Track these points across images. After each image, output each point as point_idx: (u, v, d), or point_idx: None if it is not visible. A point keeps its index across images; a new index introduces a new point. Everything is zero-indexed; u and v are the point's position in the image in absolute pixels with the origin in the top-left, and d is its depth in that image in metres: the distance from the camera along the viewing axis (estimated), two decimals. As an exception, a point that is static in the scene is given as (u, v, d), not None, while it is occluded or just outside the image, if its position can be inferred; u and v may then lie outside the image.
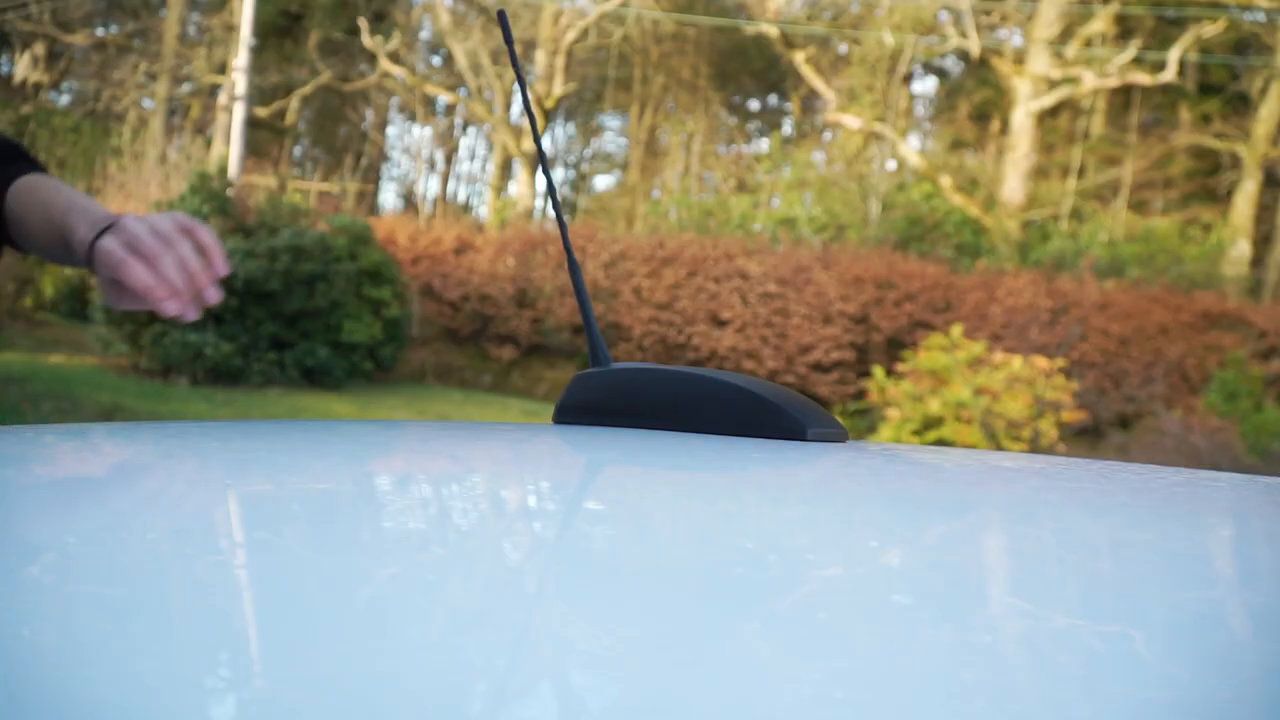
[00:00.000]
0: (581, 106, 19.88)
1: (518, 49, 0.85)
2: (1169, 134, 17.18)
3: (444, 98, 18.66)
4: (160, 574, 0.30)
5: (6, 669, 0.23)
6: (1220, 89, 16.62)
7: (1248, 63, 16.14)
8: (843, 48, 18.00)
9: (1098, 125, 17.62)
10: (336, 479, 0.50)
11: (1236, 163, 16.11)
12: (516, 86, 0.88)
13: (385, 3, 17.93)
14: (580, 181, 20.36)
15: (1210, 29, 15.63)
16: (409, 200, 18.78)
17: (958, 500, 0.53)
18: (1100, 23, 15.85)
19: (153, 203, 10.21)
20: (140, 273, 0.91)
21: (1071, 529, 0.47)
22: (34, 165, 1.07)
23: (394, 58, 17.32)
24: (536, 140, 0.83)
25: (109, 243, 0.92)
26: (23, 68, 14.90)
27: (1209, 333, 10.99)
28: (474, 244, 11.60)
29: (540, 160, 0.84)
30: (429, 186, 19.62)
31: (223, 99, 14.07)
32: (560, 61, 16.99)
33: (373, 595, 0.30)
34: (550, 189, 0.84)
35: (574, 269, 0.83)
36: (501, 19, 0.86)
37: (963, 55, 17.89)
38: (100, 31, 16.83)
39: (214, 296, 0.95)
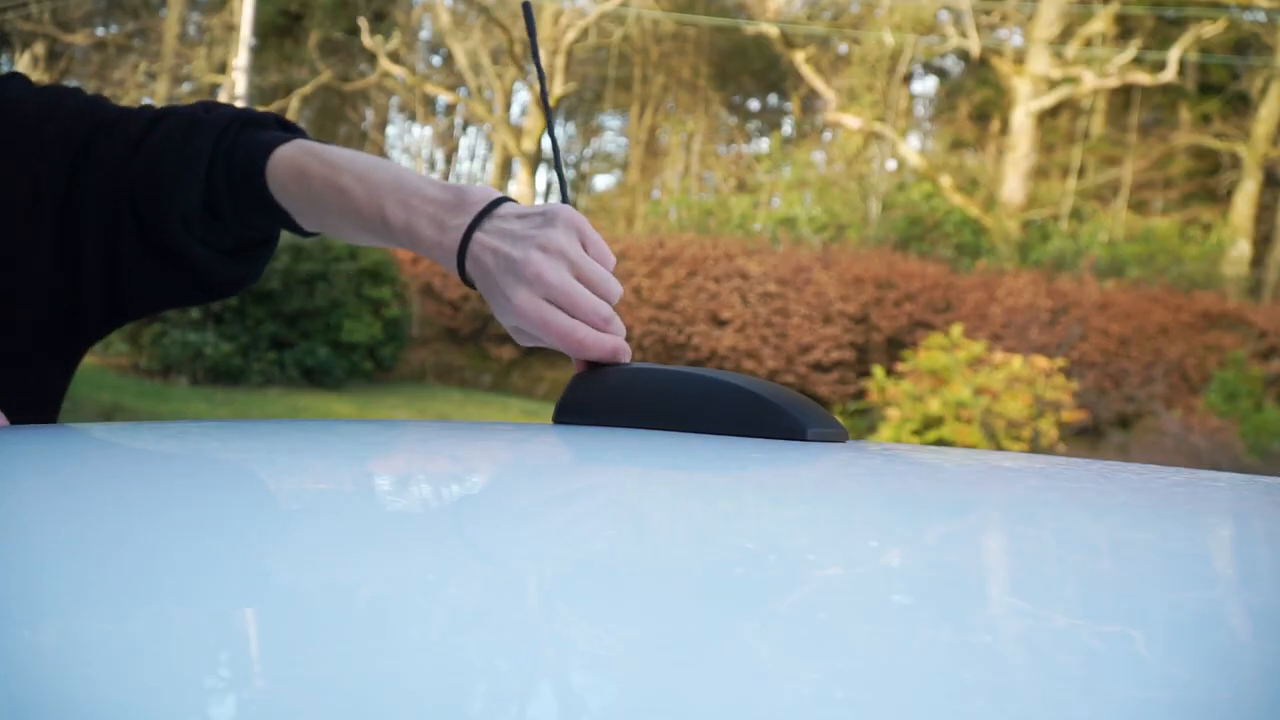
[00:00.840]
0: (581, 106, 19.88)
1: (520, 48, 0.85)
2: (1169, 134, 17.19)
3: (444, 98, 18.67)
4: (160, 574, 0.30)
5: (6, 669, 0.23)
6: (1220, 89, 16.63)
7: (1248, 63, 16.15)
8: (843, 48, 18.01)
9: (1098, 125, 17.63)
10: (336, 479, 0.50)
11: (1236, 163, 16.12)
12: (536, 80, 0.86)
13: (385, 3, 17.93)
14: (580, 181, 20.36)
15: (1210, 29, 15.64)
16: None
17: (958, 500, 0.53)
18: (1100, 23, 15.86)
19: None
20: (568, 327, 0.72)
21: (1071, 529, 0.47)
22: (297, 131, 0.85)
23: (394, 58, 17.33)
24: (551, 134, 0.83)
25: (525, 299, 0.72)
26: (23, 68, 14.90)
27: (1209, 333, 11.00)
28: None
29: (554, 153, 0.83)
30: (429, 186, 19.53)
31: (223, 99, 14.07)
32: (560, 61, 16.99)
33: (372, 595, 0.30)
34: (561, 182, 0.83)
35: None
36: (526, 12, 0.86)
37: (963, 55, 17.90)
38: (100, 31, 16.84)
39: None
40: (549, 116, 0.83)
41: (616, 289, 0.75)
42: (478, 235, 0.74)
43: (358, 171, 0.78)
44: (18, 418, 0.71)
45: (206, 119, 0.83)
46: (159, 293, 0.87)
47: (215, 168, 0.81)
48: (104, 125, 0.84)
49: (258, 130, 0.83)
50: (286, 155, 0.80)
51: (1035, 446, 8.33)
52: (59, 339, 0.87)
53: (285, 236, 0.90)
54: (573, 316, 0.73)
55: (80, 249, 0.83)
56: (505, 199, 0.77)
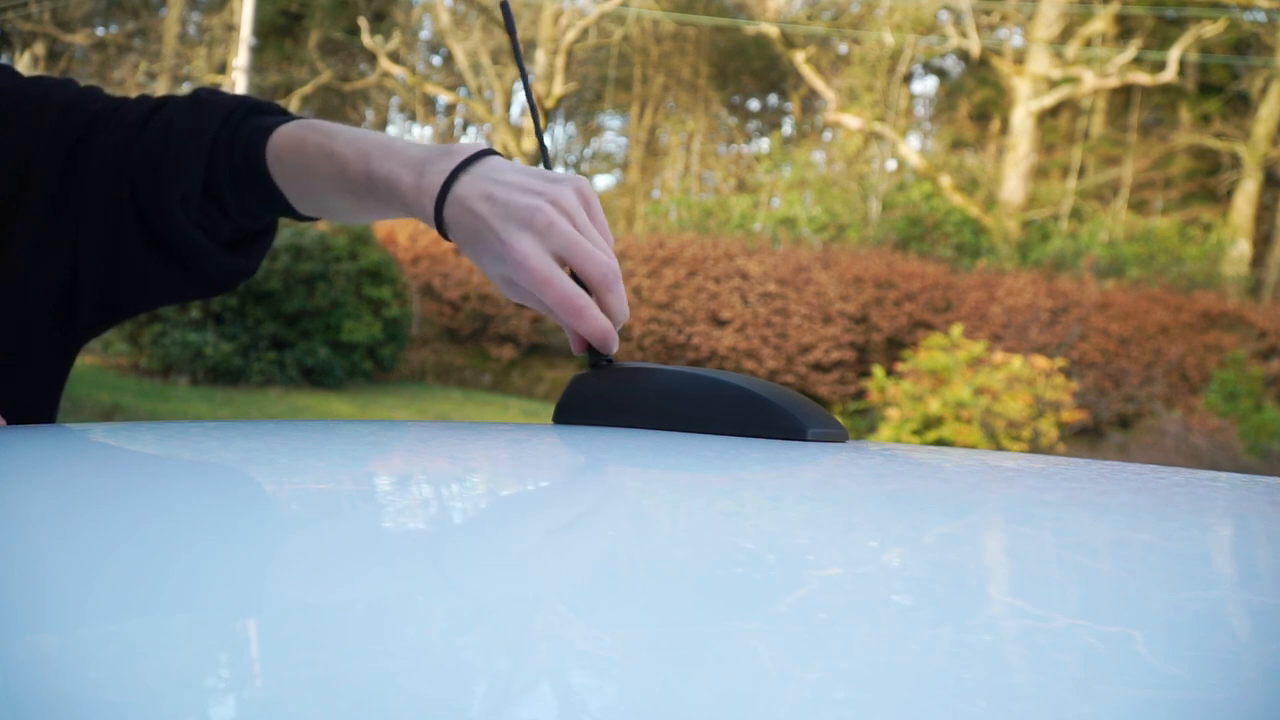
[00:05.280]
0: (581, 106, 19.89)
1: (521, 47, 0.84)
2: (1169, 134, 17.21)
3: (444, 98, 18.68)
4: (159, 574, 0.30)
5: (6, 669, 0.23)
6: (1220, 89, 16.64)
7: (1248, 63, 16.15)
8: (843, 48, 18.02)
9: (1098, 125, 17.64)
10: (336, 479, 0.50)
11: (1236, 163, 16.13)
12: (519, 82, 0.86)
13: (385, 3, 17.94)
14: (580, 181, 20.33)
15: (1210, 29, 15.65)
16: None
17: (958, 500, 0.53)
18: (1100, 23, 15.86)
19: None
20: (571, 292, 0.69)
21: (1071, 529, 0.47)
22: (288, 116, 0.84)
23: (394, 57, 17.34)
24: (539, 134, 0.83)
25: (530, 248, 0.68)
26: (23, 68, 14.89)
27: (1209, 333, 11.00)
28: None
29: (542, 155, 0.83)
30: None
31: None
32: (560, 61, 16.99)
33: (372, 595, 0.30)
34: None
35: None
36: (505, 11, 0.85)
37: (963, 55, 17.91)
38: (100, 31, 16.85)
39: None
40: (536, 119, 0.81)
41: (614, 262, 0.73)
42: (464, 179, 0.71)
43: (350, 137, 0.78)
44: (16, 419, 0.70)
45: (212, 100, 0.83)
46: (155, 287, 0.86)
47: (218, 146, 0.81)
48: (103, 115, 0.83)
49: (263, 116, 0.83)
50: (288, 130, 0.80)
51: (1035, 446, 8.33)
52: (50, 337, 0.84)
53: (284, 237, 0.90)
54: (583, 271, 0.70)
55: (77, 241, 0.82)
56: (494, 151, 0.75)
